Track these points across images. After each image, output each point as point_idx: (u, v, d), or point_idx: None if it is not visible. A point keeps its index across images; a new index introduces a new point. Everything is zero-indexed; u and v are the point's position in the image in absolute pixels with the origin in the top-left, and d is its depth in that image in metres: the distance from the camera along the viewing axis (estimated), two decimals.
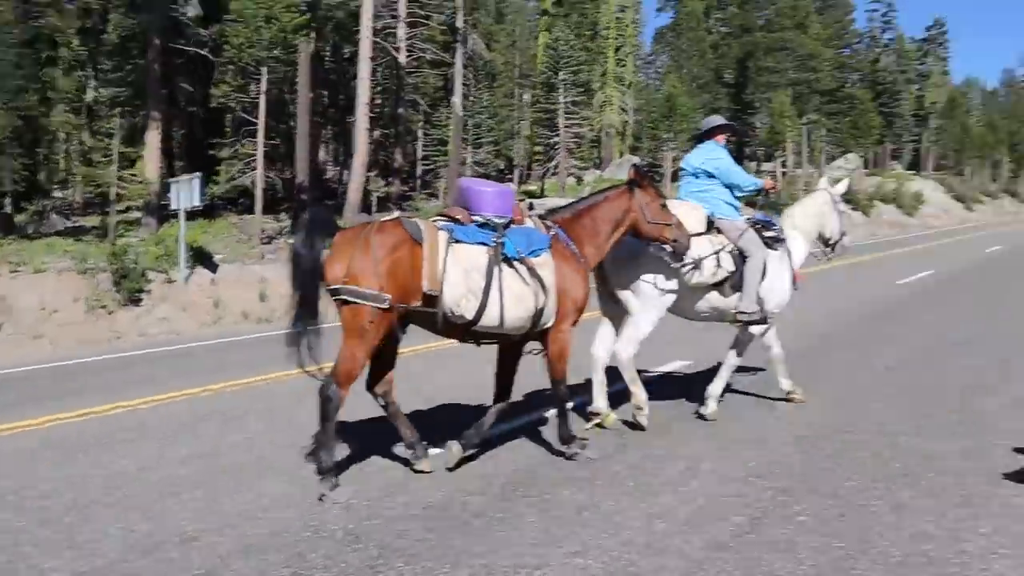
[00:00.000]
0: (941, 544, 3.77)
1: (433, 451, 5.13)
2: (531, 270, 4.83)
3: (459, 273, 4.65)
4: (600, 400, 6.06)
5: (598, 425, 5.93)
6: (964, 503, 4.29)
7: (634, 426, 5.91)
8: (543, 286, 4.85)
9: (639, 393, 5.92)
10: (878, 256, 23.98)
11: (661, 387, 7.08)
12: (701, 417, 6.19)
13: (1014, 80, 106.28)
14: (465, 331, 4.86)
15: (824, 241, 6.97)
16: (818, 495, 4.45)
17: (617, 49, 55.27)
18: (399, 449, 5.24)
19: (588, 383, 6.13)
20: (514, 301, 4.77)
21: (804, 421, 6.05)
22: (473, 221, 4.88)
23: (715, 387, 6.34)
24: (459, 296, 4.64)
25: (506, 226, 4.90)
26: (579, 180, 46.52)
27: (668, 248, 5.54)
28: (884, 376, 7.59)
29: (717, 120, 6.70)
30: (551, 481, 4.82)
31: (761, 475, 4.82)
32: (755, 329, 6.35)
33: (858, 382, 7.38)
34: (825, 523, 4.06)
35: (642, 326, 5.92)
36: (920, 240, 33.71)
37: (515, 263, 4.82)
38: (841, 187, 7.13)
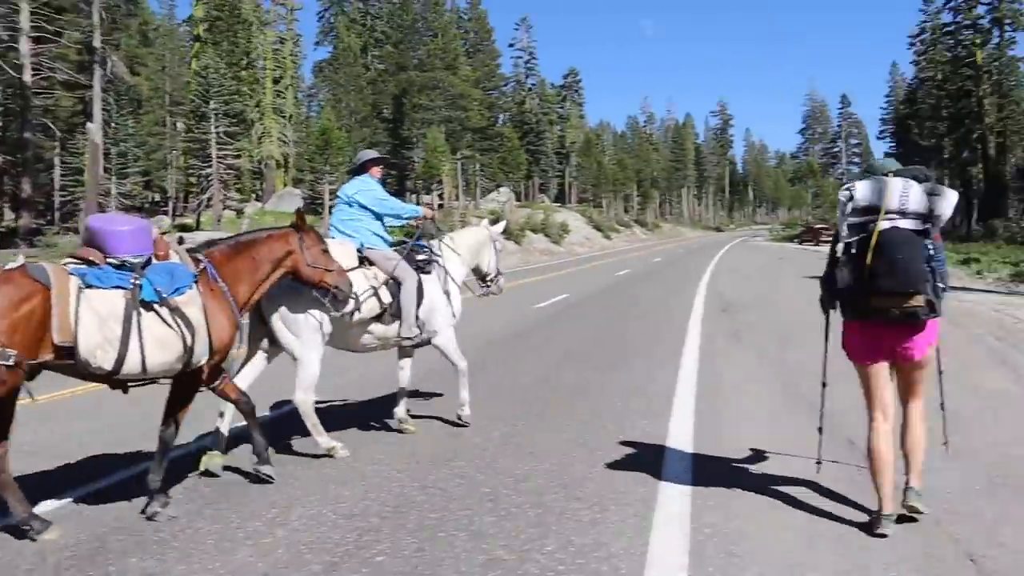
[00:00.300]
0: (508, 568, 3.78)
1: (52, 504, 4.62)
2: (175, 310, 4.45)
3: (94, 322, 4.18)
4: (219, 441, 5.65)
5: (205, 473, 5.42)
6: (537, 522, 4.38)
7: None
8: (189, 325, 4.49)
9: (323, 440, 5.83)
10: (521, 283, 25.52)
11: (272, 427, 6.69)
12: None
13: (637, 125, 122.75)
14: (109, 379, 4.49)
15: (481, 276, 7.21)
16: (404, 531, 4.33)
17: (277, 81, 54.34)
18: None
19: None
20: (157, 346, 4.38)
21: (411, 452, 5.98)
22: (108, 263, 4.41)
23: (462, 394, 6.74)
24: (95, 346, 4.19)
25: (146, 264, 4.51)
26: (239, 213, 44.86)
27: (329, 294, 5.51)
28: (502, 399, 7.82)
29: (371, 154, 6.80)
30: (121, 549, 4.23)
31: (352, 515, 4.61)
32: (440, 341, 6.56)
33: (475, 406, 7.47)
34: (403, 560, 3.93)
35: (312, 368, 5.77)
36: (565, 266, 36.63)
37: (156, 305, 4.40)
38: (499, 227, 7.51)
